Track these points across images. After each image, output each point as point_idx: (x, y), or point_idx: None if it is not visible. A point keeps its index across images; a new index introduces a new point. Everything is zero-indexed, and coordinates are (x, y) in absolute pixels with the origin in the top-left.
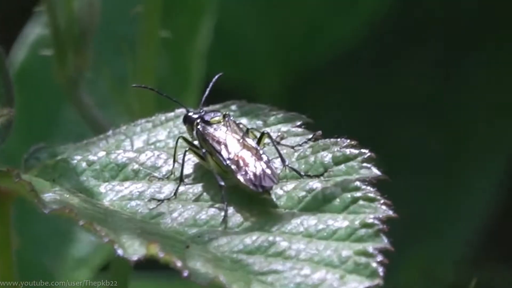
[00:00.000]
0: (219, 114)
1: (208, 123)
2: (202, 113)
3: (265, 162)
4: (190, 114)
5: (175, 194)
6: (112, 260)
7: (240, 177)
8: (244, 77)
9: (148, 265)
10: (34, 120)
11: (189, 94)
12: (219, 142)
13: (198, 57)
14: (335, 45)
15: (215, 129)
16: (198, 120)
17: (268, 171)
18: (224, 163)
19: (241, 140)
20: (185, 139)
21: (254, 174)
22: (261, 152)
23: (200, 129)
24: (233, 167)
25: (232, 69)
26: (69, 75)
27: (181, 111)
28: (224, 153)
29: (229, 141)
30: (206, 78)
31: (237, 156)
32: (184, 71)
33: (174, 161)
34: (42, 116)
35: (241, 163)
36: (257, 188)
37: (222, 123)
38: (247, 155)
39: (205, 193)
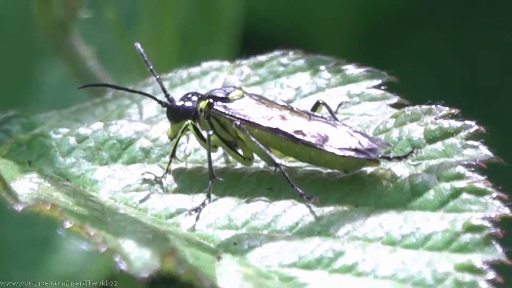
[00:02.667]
0: (230, 88)
1: (226, 99)
2: (199, 96)
3: (346, 126)
4: (187, 100)
5: (208, 191)
6: (112, 277)
7: (335, 150)
8: (298, 21)
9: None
10: (4, 81)
11: (220, 40)
12: (265, 118)
13: None
14: None
15: (243, 104)
16: (210, 100)
17: (362, 135)
18: (294, 139)
19: (292, 109)
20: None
21: (353, 141)
22: (326, 118)
23: (220, 108)
24: (313, 141)
25: (281, 9)
26: (56, 16)
27: (209, 65)
28: (285, 127)
29: (277, 113)
30: (244, 20)
31: (308, 128)
32: (214, 10)
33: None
34: (14, 77)
35: (321, 135)
36: (368, 154)
37: (245, 97)
38: (319, 125)
39: (242, 184)
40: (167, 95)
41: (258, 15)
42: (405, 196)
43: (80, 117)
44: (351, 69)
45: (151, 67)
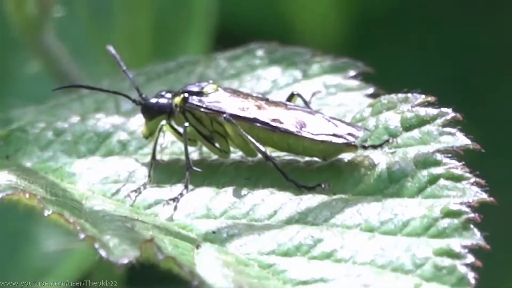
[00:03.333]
0: (204, 83)
1: (201, 93)
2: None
3: (322, 114)
4: (162, 95)
5: (186, 181)
6: (92, 268)
7: (313, 136)
8: (277, 12)
9: (143, 273)
10: None
11: (197, 33)
12: (241, 109)
13: None
14: None
15: (218, 97)
16: (185, 95)
17: (339, 121)
18: (271, 127)
19: (267, 100)
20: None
21: (330, 127)
22: (302, 107)
23: (195, 102)
24: (291, 128)
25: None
26: (30, 13)
27: (185, 59)
28: (262, 117)
29: (253, 104)
30: (222, 14)
31: (284, 116)
32: (189, 2)
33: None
34: None
35: (298, 122)
36: (346, 139)
37: (220, 90)
38: (296, 113)
39: (220, 174)
40: (140, 94)
41: (236, 9)
42: (383, 183)
43: (57, 111)
44: (327, 61)
45: (124, 68)
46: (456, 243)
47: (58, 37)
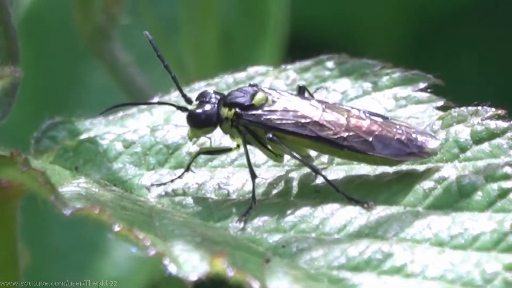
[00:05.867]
0: (247, 89)
1: (253, 106)
2: (216, 97)
3: (395, 121)
4: (206, 106)
5: (252, 192)
6: (161, 281)
7: (385, 155)
8: (344, 23)
9: (212, 285)
10: (47, 84)
11: (265, 44)
12: (301, 124)
13: None
14: None
15: (274, 110)
16: (237, 110)
17: (413, 129)
18: (338, 146)
19: (329, 107)
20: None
21: (403, 138)
22: (362, 112)
23: (250, 119)
24: (360, 146)
25: (328, 10)
26: (96, 22)
27: (255, 70)
28: (325, 133)
29: (314, 114)
30: (291, 23)
31: (351, 129)
32: (259, 11)
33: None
34: (58, 79)
35: (368, 136)
36: (421, 155)
37: (272, 100)
38: (364, 124)
39: (289, 185)
40: (183, 95)
41: (304, 18)
42: (453, 197)
43: (126, 122)
44: (397, 73)
45: (166, 63)
46: None
47: (125, 47)
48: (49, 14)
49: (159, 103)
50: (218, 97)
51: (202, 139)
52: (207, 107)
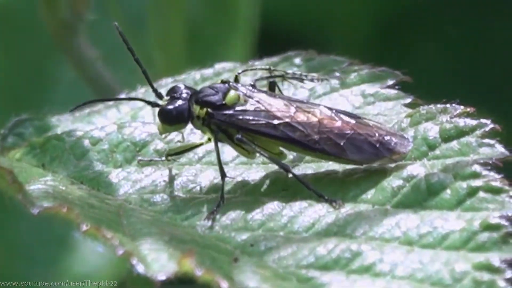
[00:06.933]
0: (219, 86)
1: (224, 106)
2: (188, 92)
3: (368, 121)
4: (177, 101)
5: (221, 191)
6: (129, 279)
7: (357, 158)
8: (312, 17)
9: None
10: (16, 80)
11: (235, 40)
12: (272, 125)
13: None
14: None
15: (246, 110)
16: (209, 110)
17: (386, 132)
18: (310, 148)
19: (304, 106)
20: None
21: (375, 139)
22: (335, 112)
23: (221, 118)
24: (332, 150)
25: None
26: (63, 17)
27: (222, 66)
28: (296, 135)
29: (285, 115)
30: (260, 18)
31: (323, 132)
32: (228, 8)
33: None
34: (27, 75)
35: (339, 139)
36: (393, 158)
37: (243, 99)
38: (336, 124)
39: (257, 185)
40: (154, 90)
41: (272, 13)
42: (422, 195)
43: (94, 119)
44: (365, 69)
45: (136, 56)
46: (495, 258)
47: (92, 43)
48: (16, 10)
49: (130, 98)
50: (190, 92)
51: (172, 135)
52: (178, 103)
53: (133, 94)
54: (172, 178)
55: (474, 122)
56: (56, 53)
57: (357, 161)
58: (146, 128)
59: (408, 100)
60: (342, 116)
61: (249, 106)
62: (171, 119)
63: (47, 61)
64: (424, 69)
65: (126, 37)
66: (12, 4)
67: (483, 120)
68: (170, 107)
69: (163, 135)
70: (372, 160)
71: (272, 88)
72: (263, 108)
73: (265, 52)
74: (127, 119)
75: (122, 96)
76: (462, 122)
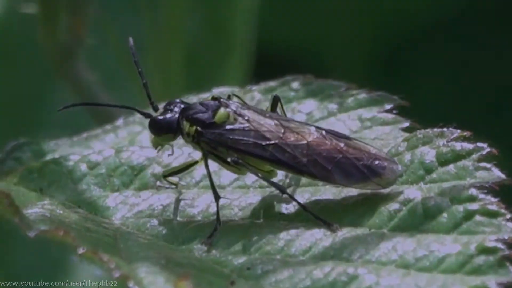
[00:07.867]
0: (210, 103)
1: (214, 124)
2: (179, 107)
3: (360, 143)
4: (166, 115)
5: (217, 214)
6: None
7: (344, 183)
8: (310, 42)
9: None
10: (12, 104)
11: (231, 64)
12: (261, 147)
13: (243, 13)
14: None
15: (235, 129)
16: (199, 128)
17: (376, 156)
18: (298, 171)
19: (288, 127)
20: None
21: (365, 163)
22: (325, 133)
23: (211, 137)
24: (320, 173)
25: (293, 30)
26: (62, 41)
27: (220, 90)
28: (285, 157)
29: (275, 135)
30: (257, 43)
31: (311, 155)
32: (225, 33)
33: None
34: (24, 99)
35: (328, 164)
36: (380, 184)
37: (233, 118)
38: (326, 146)
39: (254, 208)
40: (151, 102)
41: (270, 38)
42: (418, 219)
43: (91, 143)
44: (362, 94)
45: (140, 69)
46: (491, 281)
47: (90, 67)
48: (13, 34)
49: (124, 106)
50: (183, 106)
51: (170, 159)
52: (168, 114)
53: (130, 119)
54: (169, 202)
55: (470, 146)
56: (54, 77)
57: (345, 186)
58: (143, 152)
59: (406, 124)
60: (332, 138)
61: (238, 125)
62: (159, 129)
63: (45, 85)
64: (422, 93)
65: (135, 51)
66: (11, 27)
67: (480, 144)
68: (160, 117)
69: (156, 149)
70: (359, 185)
71: (275, 103)
72: (252, 127)
73: (262, 77)
74: (124, 143)
75: (119, 121)
76: (458, 146)
